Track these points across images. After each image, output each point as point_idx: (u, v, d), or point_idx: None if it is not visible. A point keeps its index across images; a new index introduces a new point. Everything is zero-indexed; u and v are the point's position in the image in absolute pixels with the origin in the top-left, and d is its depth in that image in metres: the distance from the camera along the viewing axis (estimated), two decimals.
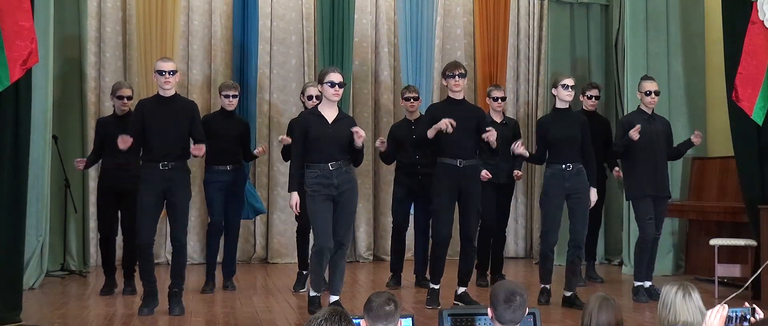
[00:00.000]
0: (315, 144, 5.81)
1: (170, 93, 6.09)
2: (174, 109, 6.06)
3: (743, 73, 6.54)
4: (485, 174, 6.81)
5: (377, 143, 7.33)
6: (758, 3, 6.48)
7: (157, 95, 6.13)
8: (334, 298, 5.87)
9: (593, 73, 9.56)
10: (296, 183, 5.86)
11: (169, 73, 6.02)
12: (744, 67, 6.54)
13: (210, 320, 5.84)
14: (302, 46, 9.44)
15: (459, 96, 6.33)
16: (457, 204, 6.27)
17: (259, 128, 9.17)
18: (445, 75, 6.38)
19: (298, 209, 5.89)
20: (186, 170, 6.13)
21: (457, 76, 6.25)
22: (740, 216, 7.20)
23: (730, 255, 7.34)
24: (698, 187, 8.18)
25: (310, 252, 6.24)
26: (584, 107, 7.78)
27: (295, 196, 5.83)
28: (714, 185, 7.97)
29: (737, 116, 6.77)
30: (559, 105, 6.53)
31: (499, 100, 7.53)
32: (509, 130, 7.42)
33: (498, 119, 7.48)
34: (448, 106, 6.31)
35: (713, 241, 7.19)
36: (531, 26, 9.99)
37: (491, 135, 6.15)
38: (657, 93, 6.85)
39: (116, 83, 7.26)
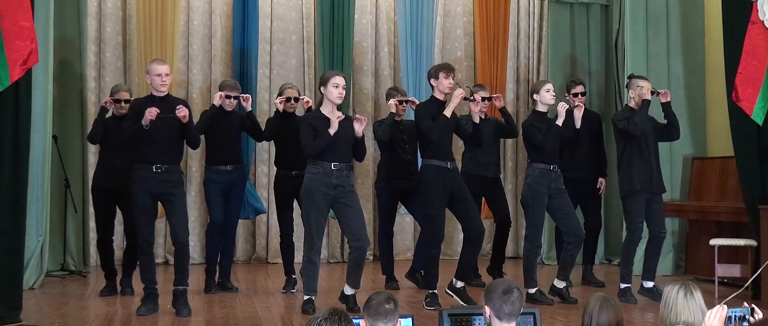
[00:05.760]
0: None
1: (164, 93, 6.05)
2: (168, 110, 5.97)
3: (743, 73, 6.54)
4: None
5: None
6: (758, 3, 6.49)
7: (151, 95, 6.08)
8: (350, 291, 6.06)
9: (593, 73, 9.56)
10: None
11: (165, 75, 6.00)
12: (744, 67, 6.54)
13: (210, 320, 5.84)
14: (302, 46, 9.44)
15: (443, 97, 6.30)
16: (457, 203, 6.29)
17: None
18: (434, 75, 6.27)
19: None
20: (179, 172, 6.14)
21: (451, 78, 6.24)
22: (740, 216, 7.19)
23: (730, 255, 7.34)
24: (698, 187, 8.18)
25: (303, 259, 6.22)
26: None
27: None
28: (714, 185, 7.97)
29: (737, 116, 6.77)
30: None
31: (486, 101, 7.30)
32: (490, 125, 7.39)
33: (476, 120, 7.41)
34: (433, 106, 6.26)
35: (713, 241, 7.20)
36: (531, 26, 9.99)
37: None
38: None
39: (114, 86, 7.22)
